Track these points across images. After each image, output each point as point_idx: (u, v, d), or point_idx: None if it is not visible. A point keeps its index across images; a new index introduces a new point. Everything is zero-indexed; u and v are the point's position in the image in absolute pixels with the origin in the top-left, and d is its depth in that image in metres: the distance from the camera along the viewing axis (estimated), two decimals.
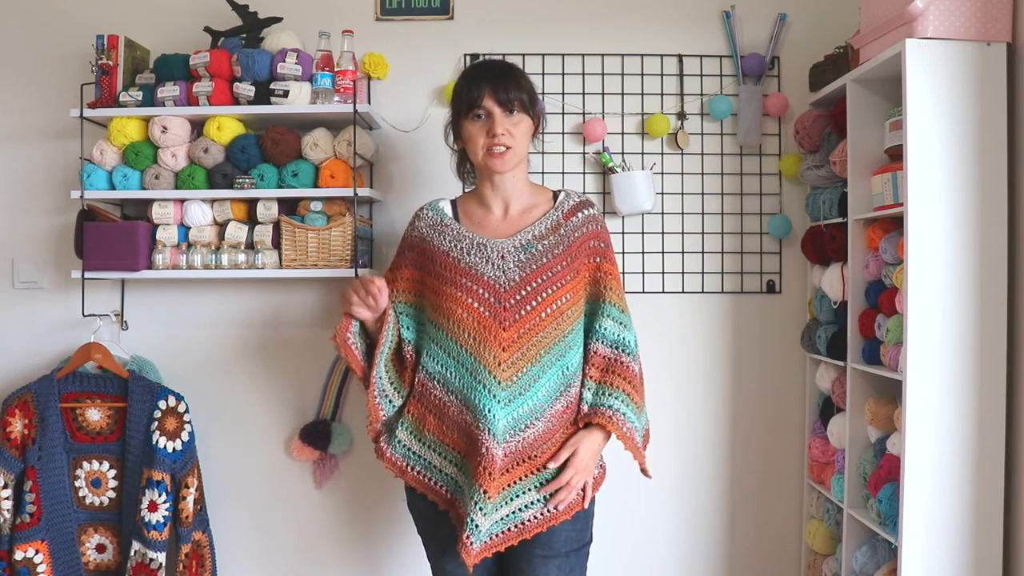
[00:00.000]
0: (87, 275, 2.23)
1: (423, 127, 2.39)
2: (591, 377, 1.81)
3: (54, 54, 2.38)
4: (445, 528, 1.76)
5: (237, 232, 2.25)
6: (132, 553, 2.22)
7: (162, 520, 2.21)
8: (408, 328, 1.84)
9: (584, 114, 2.40)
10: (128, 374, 2.26)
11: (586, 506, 1.80)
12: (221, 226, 2.27)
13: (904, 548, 1.82)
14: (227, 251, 2.23)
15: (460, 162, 1.92)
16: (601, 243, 1.86)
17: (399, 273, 1.88)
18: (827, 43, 2.30)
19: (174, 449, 2.24)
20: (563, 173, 2.40)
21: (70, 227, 2.29)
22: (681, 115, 2.40)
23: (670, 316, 2.42)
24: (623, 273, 2.39)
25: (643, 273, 2.42)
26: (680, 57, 2.40)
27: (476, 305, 1.75)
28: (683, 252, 2.42)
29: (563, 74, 2.40)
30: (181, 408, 2.27)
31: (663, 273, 2.42)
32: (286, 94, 2.18)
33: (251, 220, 2.28)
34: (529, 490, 1.74)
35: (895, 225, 1.99)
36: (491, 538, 1.72)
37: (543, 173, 2.40)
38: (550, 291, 1.77)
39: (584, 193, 2.24)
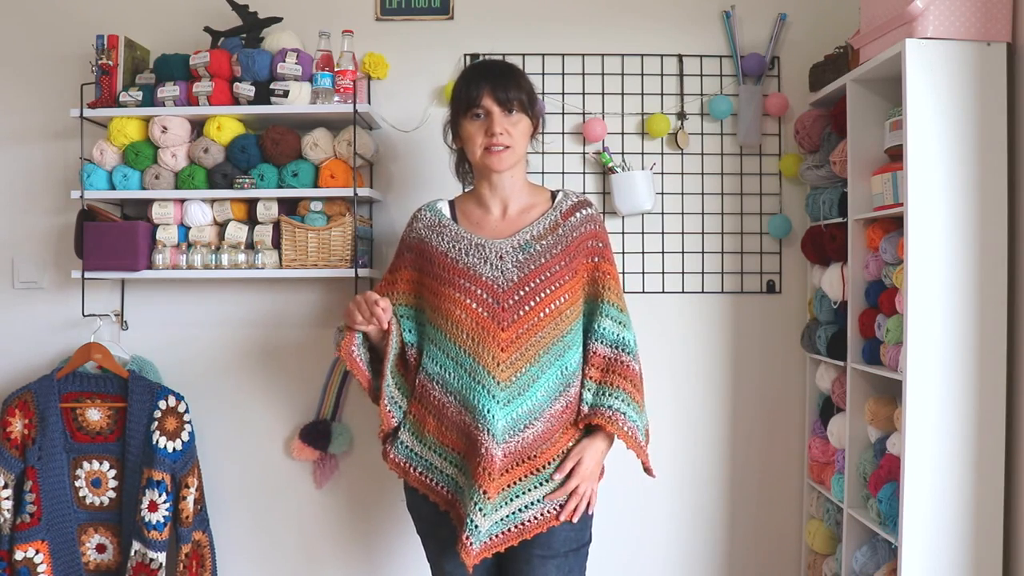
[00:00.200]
0: (87, 275, 2.23)
1: (423, 127, 2.39)
2: (591, 377, 1.80)
3: (54, 54, 2.38)
4: (445, 528, 1.76)
5: (237, 232, 2.25)
6: (132, 553, 2.22)
7: (162, 520, 2.21)
8: (409, 331, 1.84)
9: (584, 114, 2.40)
10: (128, 374, 2.26)
11: (592, 512, 1.80)
12: (221, 226, 2.27)
13: (904, 548, 1.82)
14: (227, 251, 2.23)
15: (459, 162, 1.92)
16: (599, 243, 1.86)
17: (398, 275, 1.88)
18: (827, 43, 2.30)
19: (174, 449, 2.24)
20: (563, 173, 2.40)
21: (70, 227, 2.30)
22: (681, 115, 2.40)
23: (670, 316, 2.42)
24: (623, 273, 2.38)
25: (643, 273, 2.42)
26: (680, 57, 2.40)
27: (474, 306, 1.75)
28: (683, 252, 2.42)
29: (563, 74, 2.40)
30: (181, 408, 2.27)
31: (663, 273, 2.42)
32: (286, 94, 2.18)
33: (251, 220, 2.28)
34: (529, 490, 1.74)
35: (895, 225, 1.99)
36: (491, 538, 1.72)
37: (543, 173, 2.40)
38: (548, 291, 1.76)
39: (584, 193, 2.24)
